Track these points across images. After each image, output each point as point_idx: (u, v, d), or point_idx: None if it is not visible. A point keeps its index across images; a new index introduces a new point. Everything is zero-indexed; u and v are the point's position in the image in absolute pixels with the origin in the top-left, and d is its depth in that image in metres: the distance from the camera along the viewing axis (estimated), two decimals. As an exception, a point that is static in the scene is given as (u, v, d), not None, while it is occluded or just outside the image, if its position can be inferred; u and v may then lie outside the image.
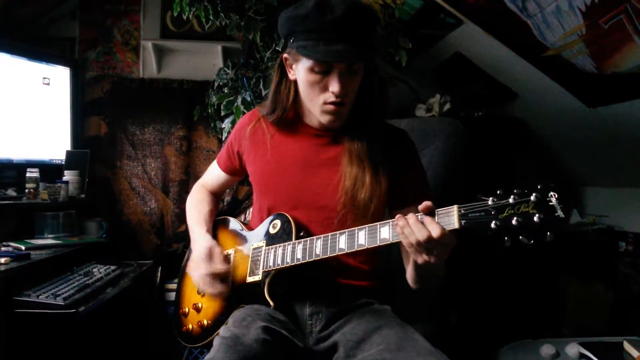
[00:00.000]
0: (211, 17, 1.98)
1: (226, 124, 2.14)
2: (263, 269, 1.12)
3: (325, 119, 1.11)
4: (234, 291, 1.17)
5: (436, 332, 1.15)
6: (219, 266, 1.15)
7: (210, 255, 1.16)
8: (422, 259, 0.89)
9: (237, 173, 1.37)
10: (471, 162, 1.62)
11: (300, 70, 1.08)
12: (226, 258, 1.19)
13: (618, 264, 2.21)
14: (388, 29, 2.13)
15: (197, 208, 1.35)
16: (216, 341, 0.97)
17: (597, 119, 1.97)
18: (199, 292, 1.26)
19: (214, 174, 1.42)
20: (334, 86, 1.03)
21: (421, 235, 0.85)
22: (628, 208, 2.26)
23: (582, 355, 1.39)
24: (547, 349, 1.43)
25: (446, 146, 1.54)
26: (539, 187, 0.77)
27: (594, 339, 1.49)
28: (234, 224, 1.33)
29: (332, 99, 1.05)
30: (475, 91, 2.42)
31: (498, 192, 0.80)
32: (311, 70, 1.05)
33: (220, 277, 1.16)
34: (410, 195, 1.13)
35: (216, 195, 1.45)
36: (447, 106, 2.33)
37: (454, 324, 2.04)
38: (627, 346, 1.36)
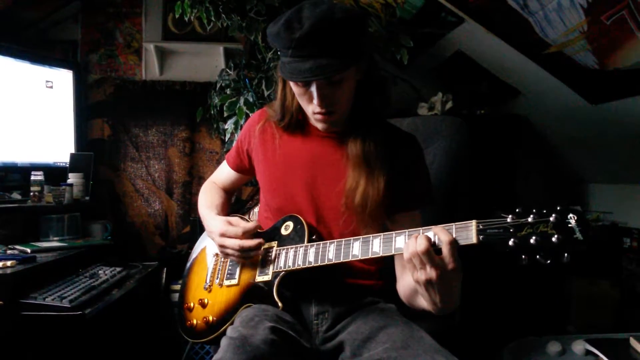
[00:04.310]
0: (213, 19, 1.98)
1: (229, 125, 2.14)
2: (273, 269, 1.12)
3: (319, 126, 1.12)
4: (241, 290, 1.17)
5: (440, 330, 1.14)
6: (249, 224, 1.14)
7: (229, 223, 1.16)
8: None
9: (247, 172, 1.37)
10: (474, 160, 1.62)
11: (290, 82, 1.09)
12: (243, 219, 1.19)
13: (623, 261, 2.21)
14: (389, 28, 2.13)
15: (209, 200, 1.35)
16: (224, 341, 0.97)
17: (599, 116, 1.97)
18: (205, 288, 1.27)
19: (224, 172, 1.42)
20: (315, 99, 1.03)
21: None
22: (632, 204, 2.26)
23: (588, 352, 1.39)
24: (553, 347, 1.43)
25: (449, 144, 1.55)
26: (558, 208, 0.77)
27: (600, 336, 1.48)
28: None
29: (318, 109, 1.06)
30: (477, 89, 2.42)
31: (517, 210, 0.80)
32: (295, 83, 1.05)
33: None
34: (410, 201, 1.14)
35: (227, 193, 1.45)
36: (449, 104, 2.33)
37: (458, 321, 2.03)
38: (634, 343, 1.36)
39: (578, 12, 1.50)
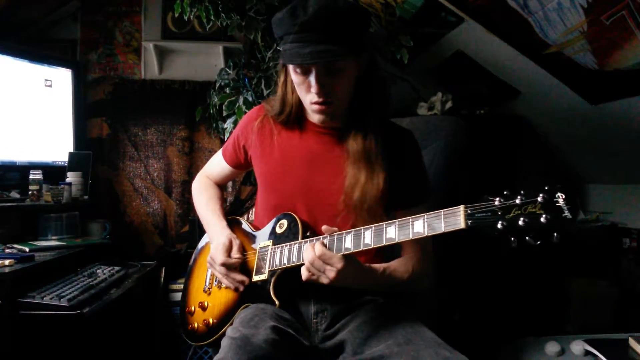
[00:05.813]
0: (212, 18, 1.98)
1: (228, 124, 2.14)
2: (269, 268, 1.12)
3: (315, 117, 1.13)
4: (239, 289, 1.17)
5: (439, 329, 1.14)
6: (236, 255, 1.17)
7: (229, 247, 1.18)
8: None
9: (242, 167, 1.37)
10: (474, 160, 1.62)
11: (290, 71, 1.10)
12: (242, 250, 1.21)
13: (622, 261, 2.21)
14: (389, 27, 2.13)
15: (212, 201, 1.36)
16: (225, 342, 0.97)
17: (599, 116, 1.97)
18: (204, 291, 1.27)
19: (218, 166, 1.41)
20: (313, 87, 1.04)
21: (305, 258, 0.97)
22: (631, 204, 2.26)
23: (587, 352, 1.39)
24: (551, 347, 1.43)
25: (448, 144, 1.54)
26: (546, 187, 0.76)
27: (599, 336, 1.48)
28: (242, 223, 1.34)
29: (315, 99, 1.06)
30: (477, 89, 2.42)
31: (505, 192, 0.80)
32: (295, 71, 1.07)
33: (237, 268, 1.17)
34: (409, 196, 1.14)
35: (220, 187, 1.45)
36: (448, 104, 2.33)
37: (457, 321, 2.03)
38: (633, 343, 1.36)
39: (578, 12, 1.50)
